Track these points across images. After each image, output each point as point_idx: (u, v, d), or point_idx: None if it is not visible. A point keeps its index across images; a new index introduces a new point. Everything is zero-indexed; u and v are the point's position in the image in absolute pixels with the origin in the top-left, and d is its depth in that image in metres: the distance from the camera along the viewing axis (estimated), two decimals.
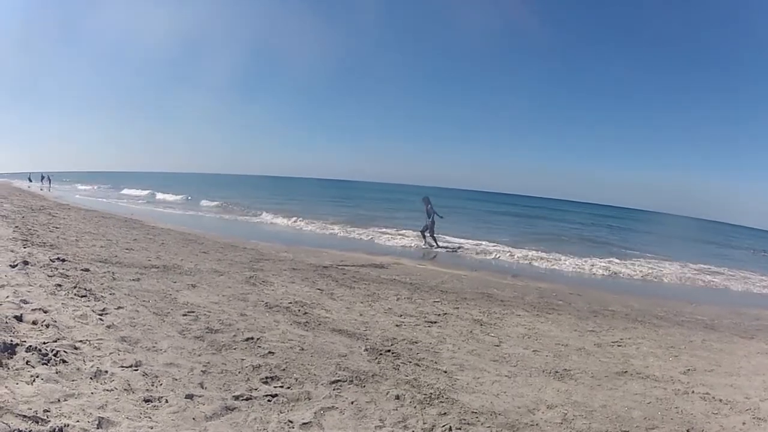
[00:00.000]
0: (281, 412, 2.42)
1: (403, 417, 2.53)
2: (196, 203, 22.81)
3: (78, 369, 2.48)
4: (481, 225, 20.17)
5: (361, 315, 4.66)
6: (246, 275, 5.96)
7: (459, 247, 12.22)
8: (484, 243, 13.17)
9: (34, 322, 2.98)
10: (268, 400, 2.53)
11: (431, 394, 2.86)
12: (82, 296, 3.85)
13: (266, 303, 4.64)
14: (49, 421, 1.96)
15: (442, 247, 12.05)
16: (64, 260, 5.19)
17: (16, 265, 4.47)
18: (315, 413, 2.45)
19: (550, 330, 4.85)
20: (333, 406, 2.56)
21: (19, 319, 2.99)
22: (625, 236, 22.71)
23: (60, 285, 4.05)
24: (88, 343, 2.86)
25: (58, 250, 5.93)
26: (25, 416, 1.94)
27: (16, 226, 7.72)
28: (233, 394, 2.54)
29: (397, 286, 6.41)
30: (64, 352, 2.62)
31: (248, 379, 2.77)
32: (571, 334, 4.80)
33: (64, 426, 1.95)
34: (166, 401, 2.35)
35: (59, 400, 2.14)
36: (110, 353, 2.79)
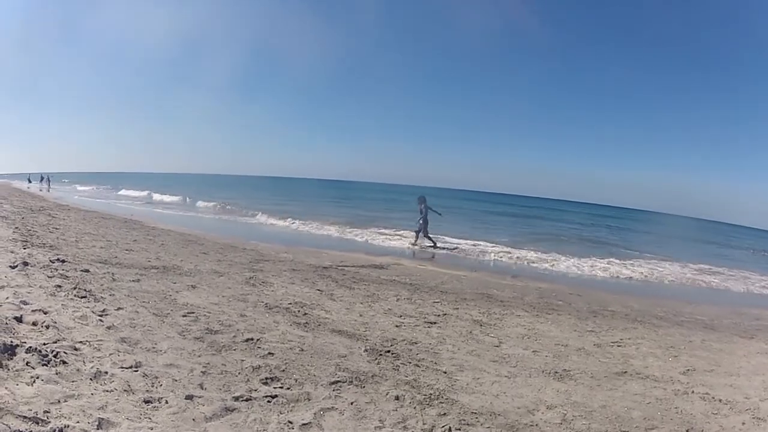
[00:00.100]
0: (281, 413, 2.43)
1: (402, 417, 2.53)
2: (192, 204, 22.71)
3: (78, 370, 2.49)
4: (480, 225, 20.19)
5: (360, 316, 4.67)
6: (246, 276, 5.96)
7: (455, 248, 12.21)
8: (483, 243, 13.17)
9: (34, 323, 2.98)
10: (268, 401, 2.53)
11: (431, 394, 2.87)
12: (82, 297, 3.85)
13: (266, 304, 4.64)
14: (50, 422, 1.96)
15: (440, 248, 12.04)
16: (64, 261, 5.19)
17: (16, 266, 4.47)
18: (315, 414, 2.45)
19: (549, 330, 4.85)
20: (333, 407, 2.56)
21: (19, 320, 2.99)
22: (624, 236, 22.73)
23: (60, 286, 4.05)
24: (88, 344, 2.86)
25: (57, 251, 5.94)
26: (25, 417, 1.94)
27: (16, 227, 7.72)
28: (233, 395, 2.54)
29: (397, 287, 6.41)
30: (64, 353, 2.62)
31: (248, 379, 2.78)
32: (570, 334, 4.80)
33: (65, 427, 1.95)
34: (166, 402, 2.35)
35: (59, 401, 2.14)
36: (110, 354, 2.79)
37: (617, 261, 12.15)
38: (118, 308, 3.74)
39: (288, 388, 2.72)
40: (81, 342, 2.86)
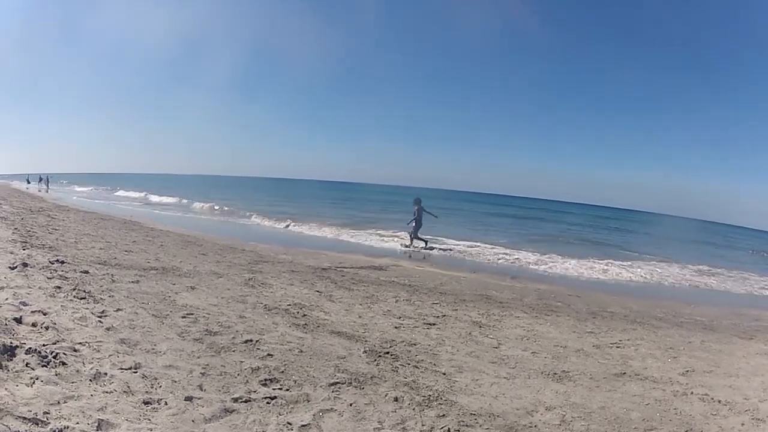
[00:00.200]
0: (280, 414, 2.43)
1: (401, 419, 2.54)
2: (188, 205, 22.58)
3: (77, 371, 2.49)
4: (479, 226, 20.20)
5: (359, 317, 4.67)
6: (245, 277, 5.96)
7: (450, 249, 12.19)
8: (482, 245, 13.16)
9: (34, 324, 2.99)
10: (267, 402, 2.53)
11: (430, 395, 2.87)
12: (81, 298, 3.85)
13: (265, 305, 4.65)
14: (49, 423, 1.97)
15: (432, 248, 12.04)
16: (63, 262, 5.19)
17: (16, 267, 4.48)
18: (314, 415, 2.46)
19: (548, 331, 4.86)
20: (332, 408, 2.56)
21: (18, 321, 2.99)
22: (623, 237, 22.76)
23: (59, 287, 4.05)
24: (87, 345, 2.86)
25: (57, 252, 5.94)
26: (25, 418, 1.94)
27: (15, 228, 7.72)
28: (232, 396, 2.54)
29: (396, 288, 6.42)
30: (64, 354, 2.63)
31: (247, 381, 2.78)
32: (569, 335, 4.80)
33: (64, 428, 1.95)
34: (166, 403, 2.36)
35: (59, 402, 2.14)
36: (109, 355, 2.79)
37: (616, 262, 12.14)
38: (118, 309, 3.74)
39: (287, 390, 2.73)
40: (80, 343, 2.86)
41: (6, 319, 2.94)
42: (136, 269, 5.58)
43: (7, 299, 3.38)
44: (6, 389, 2.13)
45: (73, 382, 2.37)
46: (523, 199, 76.32)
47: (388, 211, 23.67)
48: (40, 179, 36.11)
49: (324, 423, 2.41)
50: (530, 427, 2.64)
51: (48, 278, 4.33)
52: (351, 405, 2.63)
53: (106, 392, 2.34)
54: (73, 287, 4.13)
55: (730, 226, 49.33)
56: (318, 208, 24.11)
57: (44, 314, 3.22)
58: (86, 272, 4.92)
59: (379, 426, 2.44)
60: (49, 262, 5.08)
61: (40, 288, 3.92)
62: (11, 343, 2.57)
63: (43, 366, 2.45)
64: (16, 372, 2.34)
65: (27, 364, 2.42)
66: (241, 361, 3.05)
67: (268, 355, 3.24)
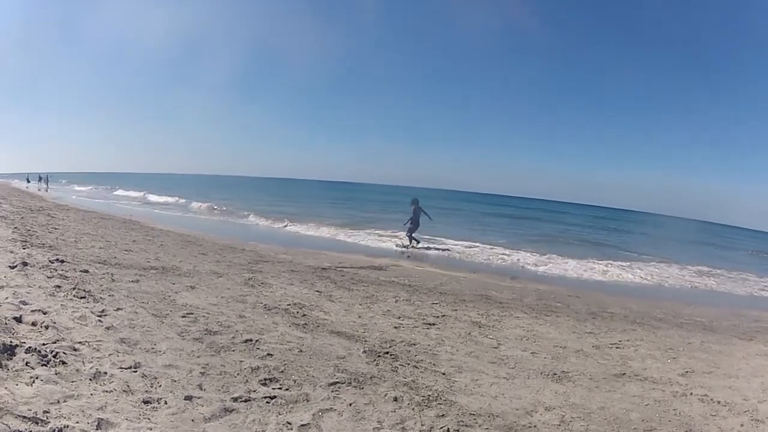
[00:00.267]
0: (280, 414, 2.43)
1: (401, 419, 2.54)
2: (186, 205, 22.48)
3: (77, 370, 2.49)
4: (479, 227, 20.20)
5: (359, 317, 4.67)
6: (245, 277, 5.96)
7: (448, 249, 12.18)
8: (482, 245, 13.16)
9: (34, 324, 2.99)
10: (267, 402, 2.54)
11: (429, 395, 2.87)
12: (81, 297, 3.85)
13: (265, 305, 4.65)
14: (49, 422, 1.97)
15: (436, 249, 12.04)
16: (63, 261, 5.19)
17: (16, 266, 4.47)
18: (313, 415, 2.46)
19: (548, 332, 4.86)
20: (331, 408, 2.57)
21: (18, 320, 2.99)
22: (623, 238, 22.75)
23: (59, 286, 4.06)
24: (87, 344, 2.86)
25: (57, 251, 5.93)
26: (24, 417, 1.94)
27: (15, 227, 7.72)
28: (232, 396, 2.54)
29: (396, 288, 6.42)
30: (64, 353, 2.63)
31: (247, 380, 2.78)
32: (569, 336, 4.80)
33: (64, 427, 1.95)
34: (165, 403, 2.36)
35: (59, 401, 2.14)
36: (109, 355, 2.79)
37: (616, 263, 12.15)
38: (118, 309, 3.74)
39: (287, 389, 2.73)
40: (80, 342, 2.86)
41: (6, 318, 2.94)
42: (136, 269, 5.58)
43: (7, 298, 3.38)
44: (6, 388, 2.13)
45: (72, 382, 2.37)
46: (521, 199, 76.41)
47: (388, 211, 23.67)
48: (40, 178, 36.15)
49: (323, 423, 2.41)
50: (530, 427, 2.64)
51: (48, 277, 4.33)
52: (350, 405, 2.63)
53: (106, 391, 2.34)
54: (73, 286, 4.13)
55: (730, 227, 49.39)
56: (318, 208, 24.12)
57: (44, 313, 3.22)
58: (86, 271, 4.92)
59: (379, 426, 2.44)
60: (49, 261, 5.08)
61: (40, 287, 3.92)
62: (11, 342, 2.58)
63: (43, 365, 2.45)
64: (16, 371, 2.34)
65: (27, 363, 2.42)
66: (241, 361, 3.05)
67: (268, 354, 3.24)
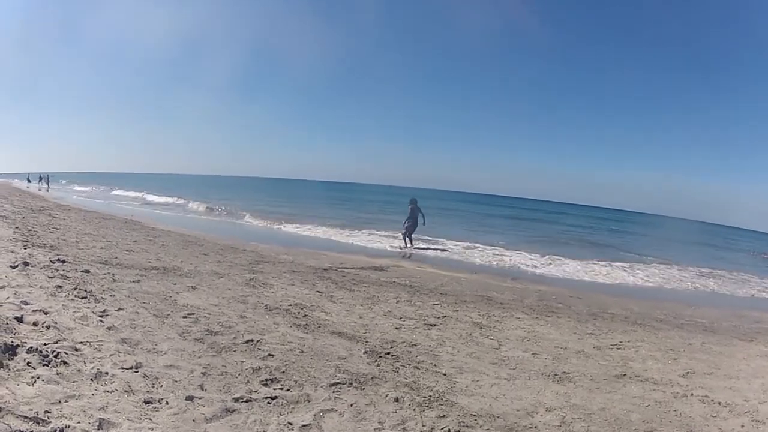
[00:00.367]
0: (281, 414, 2.43)
1: (402, 419, 2.54)
2: (184, 205, 22.41)
3: (79, 370, 2.49)
4: (478, 227, 20.21)
5: (360, 317, 4.67)
6: (246, 277, 5.96)
7: (447, 250, 12.17)
8: (482, 245, 13.17)
9: (35, 324, 2.99)
10: (268, 402, 2.54)
11: (430, 396, 2.87)
12: (82, 298, 3.86)
13: (266, 305, 4.65)
14: (50, 422, 1.97)
15: (436, 250, 12.03)
16: (64, 261, 5.20)
17: (17, 266, 4.48)
18: (314, 415, 2.46)
19: (549, 333, 4.86)
20: (332, 409, 2.57)
21: (19, 320, 3.00)
22: (623, 239, 22.74)
23: (60, 286, 4.06)
24: (88, 344, 2.87)
25: (58, 251, 5.94)
26: (26, 417, 1.95)
27: (17, 227, 7.73)
28: (233, 396, 2.54)
29: (397, 289, 6.42)
30: (65, 353, 2.63)
31: (248, 381, 2.78)
32: (570, 337, 4.80)
33: (65, 427, 1.96)
34: (167, 403, 2.36)
35: (60, 402, 2.14)
36: (111, 355, 2.79)
37: (617, 264, 12.15)
38: (119, 309, 3.74)
39: (288, 390, 2.73)
40: (81, 342, 2.87)
41: (7, 318, 2.94)
42: (137, 269, 5.58)
43: (8, 298, 3.38)
44: (7, 388, 2.13)
45: (74, 382, 2.37)
46: (521, 200, 76.43)
47: (388, 212, 23.67)
48: (41, 178, 36.19)
49: (325, 423, 2.41)
50: (530, 428, 2.64)
51: (49, 277, 4.33)
52: (352, 405, 2.63)
53: (107, 392, 2.34)
54: (74, 286, 4.13)
55: (730, 228, 49.35)
56: (318, 208, 24.09)
57: (45, 313, 3.22)
58: (87, 271, 4.92)
59: (380, 426, 2.44)
60: (50, 261, 5.08)
61: (41, 287, 3.92)
62: (12, 342, 2.58)
63: (44, 365, 2.46)
64: (17, 371, 2.34)
65: (28, 363, 2.43)
66: (242, 361, 3.05)
67: (269, 355, 3.24)
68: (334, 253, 9.83)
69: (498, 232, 18.46)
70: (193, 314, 3.95)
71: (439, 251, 11.91)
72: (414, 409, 2.67)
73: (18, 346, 2.56)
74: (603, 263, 11.92)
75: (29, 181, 37.87)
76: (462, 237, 14.53)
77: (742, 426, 2.95)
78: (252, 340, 3.47)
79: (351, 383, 2.93)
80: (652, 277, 10.82)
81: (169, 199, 24.91)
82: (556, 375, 3.56)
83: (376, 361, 3.41)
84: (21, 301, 3.36)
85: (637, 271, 11.32)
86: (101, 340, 2.98)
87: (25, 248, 5.71)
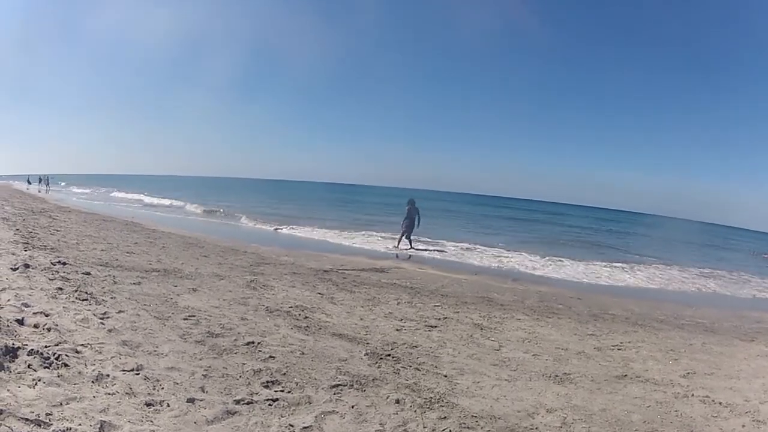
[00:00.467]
0: (282, 416, 2.43)
1: (403, 421, 2.54)
2: (180, 208, 22.38)
3: (80, 373, 2.49)
4: (479, 228, 20.22)
5: (361, 319, 4.67)
6: (246, 279, 5.97)
7: (447, 251, 12.16)
8: (483, 247, 13.17)
9: (36, 326, 2.99)
10: (269, 404, 2.54)
11: (431, 398, 2.87)
12: (83, 300, 3.86)
13: (267, 307, 4.65)
14: (52, 424, 1.97)
15: (436, 251, 12.03)
16: (65, 263, 5.20)
17: (18, 268, 4.49)
18: (316, 417, 2.46)
19: (550, 334, 4.86)
20: (333, 410, 2.57)
21: (20, 322, 3.00)
22: (624, 240, 22.74)
23: (61, 288, 4.06)
24: (89, 346, 2.87)
25: (59, 253, 5.95)
26: (27, 419, 1.95)
27: (17, 229, 7.74)
28: (234, 398, 2.54)
29: (398, 291, 6.42)
30: (66, 355, 2.63)
31: (249, 383, 2.78)
32: (571, 338, 4.80)
33: (67, 429, 1.96)
34: (168, 405, 2.36)
35: (61, 404, 2.14)
36: (111, 357, 2.79)
37: (617, 264, 12.16)
38: (120, 311, 3.74)
39: (289, 392, 2.73)
40: (82, 345, 2.87)
41: (8, 320, 2.94)
42: (138, 271, 5.59)
43: (9, 300, 3.39)
44: (8, 391, 2.14)
45: (75, 384, 2.37)
46: (521, 201, 76.41)
47: (389, 213, 23.66)
48: (40, 180, 36.25)
49: (326, 425, 2.41)
50: (531, 429, 2.64)
51: (50, 280, 4.33)
52: (353, 407, 2.63)
53: (109, 394, 2.34)
54: (74, 289, 4.14)
55: (731, 228, 49.35)
56: (319, 210, 24.10)
57: (46, 316, 3.22)
58: (88, 274, 4.92)
59: (381, 428, 2.44)
60: (51, 263, 5.09)
61: (42, 289, 3.93)
62: (13, 344, 2.58)
63: (45, 367, 2.46)
64: (18, 373, 2.34)
65: (29, 366, 2.43)
66: (243, 363, 3.05)
67: (270, 357, 3.24)
68: (334, 255, 9.84)
69: (498, 233, 18.48)
70: (194, 316, 3.95)
71: (439, 252, 11.91)
72: (415, 411, 2.67)
73: (19, 348, 2.56)
74: (603, 264, 11.93)
75: (29, 183, 37.93)
76: (462, 238, 14.53)
77: (743, 426, 2.95)
78: (253, 342, 3.47)
79: (352, 385, 2.93)
80: (653, 278, 10.82)
81: (166, 201, 24.92)
82: (557, 376, 3.56)
83: (377, 362, 3.41)
84: (22, 304, 3.36)
85: (638, 272, 11.32)
86: (102, 343, 2.98)
87: (25, 250, 5.72)
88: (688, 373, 3.95)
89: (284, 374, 2.97)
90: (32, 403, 2.09)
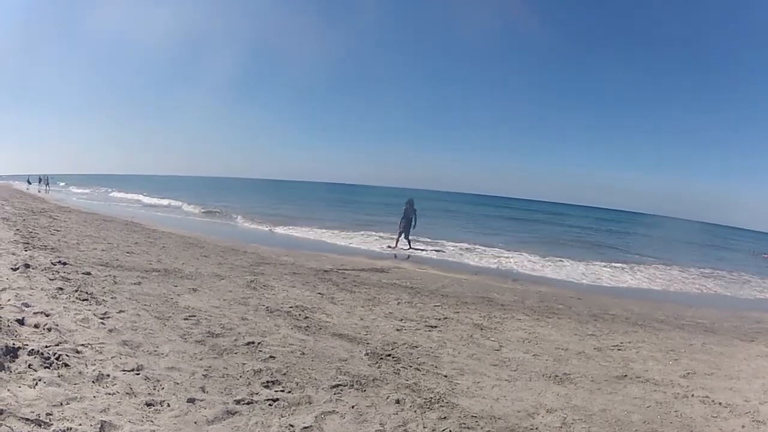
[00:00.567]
0: (282, 416, 2.43)
1: (403, 421, 2.54)
2: (178, 208, 22.31)
3: (80, 373, 2.49)
4: (479, 229, 20.22)
5: (361, 319, 4.67)
6: (247, 279, 5.97)
7: (447, 251, 12.17)
8: (483, 247, 13.17)
9: (36, 326, 2.99)
10: (270, 405, 2.54)
11: (431, 398, 2.87)
12: (83, 300, 3.86)
13: (267, 307, 4.65)
14: (52, 424, 1.97)
15: (435, 251, 12.04)
16: (65, 263, 5.20)
17: (18, 268, 4.49)
18: (316, 417, 2.46)
19: (550, 334, 4.86)
20: (334, 411, 2.57)
21: (20, 322, 3.00)
22: (624, 240, 22.74)
23: (61, 288, 4.06)
24: (89, 346, 2.87)
25: (59, 253, 5.95)
26: (27, 419, 1.95)
27: (18, 229, 7.74)
28: (234, 398, 2.55)
29: (398, 291, 6.42)
30: (66, 355, 2.63)
31: (249, 383, 2.78)
32: (571, 338, 4.80)
33: (67, 429, 1.96)
34: (168, 405, 2.36)
35: (62, 404, 2.15)
36: (112, 357, 2.80)
37: (617, 265, 12.16)
38: (120, 311, 3.75)
39: (289, 392, 2.73)
40: (83, 345, 2.87)
41: (8, 320, 2.95)
42: (138, 271, 5.59)
43: (9, 300, 3.39)
44: (9, 390, 2.14)
45: (75, 384, 2.37)
46: (521, 201, 76.41)
47: (389, 214, 23.65)
48: (40, 180, 36.23)
49: (326, 425, 2.41)
50: (531, 429, 2.65)
51: (50, 280, 4.33)
52: (353, 407, 2.63)
53: (109, 394, 2.35)
54: (75, 289, 4.14)
55: (731, 228, 49.35)
56: (319, 210, 24.10)
57: (46, 316, 3.22)
58: (88, 274, 4.93)
59: (381, 428, 2.44)
60: (51, 263, 5.09)
61: (42, 289, 3.93)
62: (14, 344, 2.58)
63: (45, 367, 2.46)
64: (18, 373, 2.34)
65: (29, 366, 2.43)
66: (243, 363, 3.06)
67: (270, 357, 3.25)
68: (334, 255, 9.84)
69: (498, 233, 18.48)
70: (194, 316, 3.95)
71: (439, 253, 11.91)
72: (415, 411, 2.67)
73: (19, 348, 2.56)
74: (603, 264, 11.93)
75: (29, 183, 37.92)
76: (462, 238, 14.53)
77: (743, 426, 2.95)
78: (253, 342, 3.47)
79: (352, 385, 2.93)
80: (653, 278, 10.82)
81: (164, 201, 24.94)
82: (557, 376, 3.56)
83: (377, 362, 3.41)
84: (22, 304, 3.36)
85: (638, 272, 11.32)
86: (102, 343, 2.98)
87: (26, 250, 5.72)
88: (688, 373, 3.96)
89: (284, 374, 2.97)
90: (33, 403, 2.09)
